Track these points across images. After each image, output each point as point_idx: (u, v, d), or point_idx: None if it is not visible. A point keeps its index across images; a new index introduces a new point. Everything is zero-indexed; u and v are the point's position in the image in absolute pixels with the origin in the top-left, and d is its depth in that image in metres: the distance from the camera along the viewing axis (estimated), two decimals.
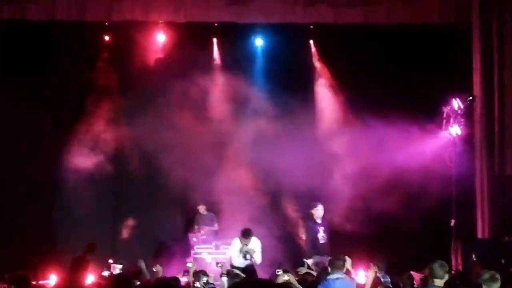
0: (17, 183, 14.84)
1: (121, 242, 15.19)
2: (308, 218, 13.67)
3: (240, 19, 15.26)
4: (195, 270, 11.86)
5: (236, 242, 12.77)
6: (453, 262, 14.02)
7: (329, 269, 9.34)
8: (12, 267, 11.23)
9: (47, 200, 15.04)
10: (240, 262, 12.67)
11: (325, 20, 15.24)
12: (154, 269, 11.42)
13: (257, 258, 12.72)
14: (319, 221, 13.49)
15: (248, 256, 12.64)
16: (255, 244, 12.79)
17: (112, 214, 15.44)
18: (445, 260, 8.41)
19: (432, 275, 7.96)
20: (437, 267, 7.96)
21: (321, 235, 13.40)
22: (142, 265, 12.30)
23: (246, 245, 12.62)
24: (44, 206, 15.01)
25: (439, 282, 7.92)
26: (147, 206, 15.34)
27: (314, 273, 10.89)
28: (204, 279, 10.82)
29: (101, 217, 15.11)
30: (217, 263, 12.83)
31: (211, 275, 11.68)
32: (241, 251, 12.62)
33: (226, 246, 14.36)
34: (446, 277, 8.04)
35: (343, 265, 9.28)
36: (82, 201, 14.78)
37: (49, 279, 12.44)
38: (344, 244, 13.69)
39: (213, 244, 14.60)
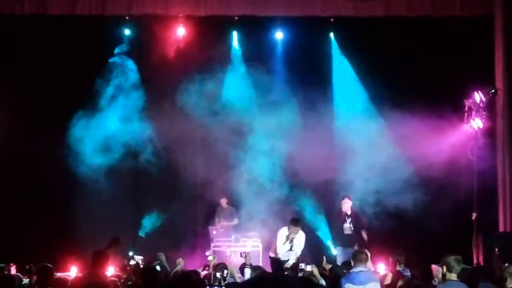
0: (38, 176, 14.97)
1: (141, 234, 15.29)
2: (337, 209, 13.91)
3: (260, 12, 15.25)
4: (215, 263, 11.92)
5: (283, 231, 12.72)
6: (475, 255, 13.91)
7: (352, 262, 9.33)
8: (33, 259, 11.39)
9: (68, 192, 15.17)
10: (284, 251, 12.64)
11: (345, 13, 15.20)
12: (176, 262, 11.47)
13: (298, 249, 12.75)
14: (349, 212, 13.67)
15: (294, 247, 12.65)
16: (300, 236, 12.78)
17: (132, 207, 15.50)
18: (466, 254, 8.37)
19: (448, 269, 7.88)
20: (452, 261, 7.88)
21: (348, 226, 13.64)
22: (162, 258, 12.36)
23: (294, 233, 12.59)
24: (64, 198, 15.16)
25: (454, 276, 7.85)
26: (167, 199, 15.38)
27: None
28: (225, 272, 10.86)
29: (122, 210, 15.16)
30: (241, 254, 12.84)
31: (230, 267, 11.73)
32: (287, 238, 12.58)
33: (245, 239, 14.43)
34: (460, 271, 7.96)
35: (366, 259, 9.26)
36: (103, 193, 14.91)
37: (69, 271, 12.50)
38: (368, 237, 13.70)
39: (233, 237, 14.64)
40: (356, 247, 12.46)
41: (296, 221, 12.73)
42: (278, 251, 12.63)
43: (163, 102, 15.12)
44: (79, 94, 15.13)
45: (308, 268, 10.74)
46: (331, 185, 15.02)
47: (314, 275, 10.04)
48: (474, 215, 14.27)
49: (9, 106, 15.09)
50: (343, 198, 13.81)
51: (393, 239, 13.97)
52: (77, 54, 14.88)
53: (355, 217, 13.75)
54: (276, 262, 12.36)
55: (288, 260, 12.59)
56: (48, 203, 14.98)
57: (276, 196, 14.97)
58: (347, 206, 13.72)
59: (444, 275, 7.95)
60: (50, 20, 14.93)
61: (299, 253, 12.81)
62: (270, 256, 12.91)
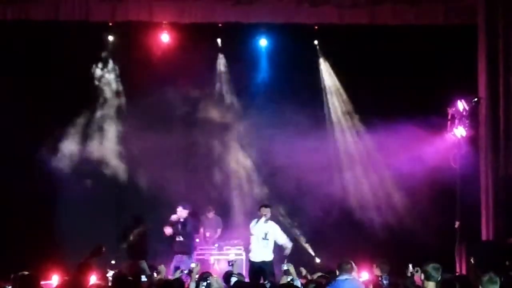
0: (20, 183, 14.79)
1: (124, 242, 15.14)
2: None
3: (244, 19, 15.20)
4: (198, 271, 11.83)
5: (254, 220, 12.95)
6: (457, 264, 13.93)
7: (337, 272, 9.31)
8: (14, 267, 11.22)
9: (51, 200, 15.06)
10: (258, 232, 12.85)
11: (330, 21, 15.17)
12: (158, 269, 11.37)
13: (280, 239, 12.95)
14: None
15: (268, 236, 12.83)
16: (273, 225, 12.99)
17: (115, 214, 15.39)
18: (449, 263, 8.35)
19: (426, 278, 7.84)
20: (430, 269, 7.83)
21: None
22: (144, 265, 12.28)
23: (265, 216, 12.75)
24: (47, 206, 15.03)
25: (432, 285, 7.79)
26: (150, 206, 15.26)
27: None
28: (204, 283, 10.78)
29: (104, 217, 15.06)
30: (229, 262, 12.81)
31: (215, 276, 11.65)
32: (258, 220, 12.77)
33: (228, 247, 14.36)
34: (438, 279, 7.92)
35: (351, 268, 9.26)
36: (85, 201, 14.81)
37: (51, 280, 12.38)
38: (348, 245, 13.69)
39: (216, 245, 14.59)
40: None
41: (265, 204, 13.03)
42: (252, 231, 12.87)
43: (145, 108, 15.05)
44: (62, 101, 14.97)
45: (284, 266, 10.71)
46: (315, 192, 15.01)
47: (290, 273, 10.06)
48: (457, 224, 14.29)
49: None
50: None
51: (374, 247, 13.97)
52: (59, 60, 14.77)
53: None
54: (254, 268, 12.34)
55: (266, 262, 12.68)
56: (30, 211, 14.83)
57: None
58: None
59: (422, 283, 7.92)
60: (33, 26, 14.79)
61: (280, 241, 12.91)
62: (249, 260, 13.05)
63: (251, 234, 13.05)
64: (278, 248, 13.15)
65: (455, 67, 14.90)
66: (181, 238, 13.63)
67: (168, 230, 13.58)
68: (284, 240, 13.04)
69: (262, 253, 12.91)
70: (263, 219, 12.79)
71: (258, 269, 11.49)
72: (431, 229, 14.47)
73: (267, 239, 12.90)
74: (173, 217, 13.72)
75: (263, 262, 12.71)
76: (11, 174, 14.65)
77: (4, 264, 12.46)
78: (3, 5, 14.65)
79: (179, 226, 13.67)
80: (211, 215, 15.19)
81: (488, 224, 14.58)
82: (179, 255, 13.57)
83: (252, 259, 12.99)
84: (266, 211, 12.83)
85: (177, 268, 12.55)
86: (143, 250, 14.20)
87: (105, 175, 15.15)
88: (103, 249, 12.29)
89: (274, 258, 13.00)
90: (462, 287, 8.74)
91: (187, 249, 13.68)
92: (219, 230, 15.14)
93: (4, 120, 14.65)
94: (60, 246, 14.54)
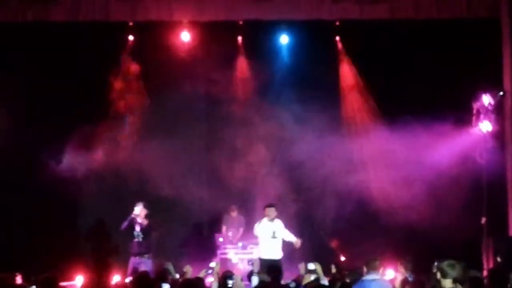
0: (43, 184, 14.80)
1: None
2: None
3: (265, 17, 15.10)
4: (218, 271, 11.77)
5: (256, 223, 13.12)
6: (485, 261, 13.75)
7: (365, 270, 9.14)
8: (38, 268, 11.24)
9: (72, 200, 15.07)
10: (264, 232, 12.99)
11: (351, 16, 15.03)
12: (184, 270, 11.32)
13: (287, 236, 13.04)
14: None
15: (276, 234, 12.95)
16: (279, 222, 13.11)
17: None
18: (476, 259, 8.19)
19: (442, 275, 7.65)
20: (446, 266, 7.64)
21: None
22: (171, 267, 12.20)
23: (270, 216, 12.95)
24: (68, 207, 15.06)
25: (448, 282, 7.58)
26: (170, 207, 15.19)
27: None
28: (230, 282, 10.68)
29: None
30: (248, 261, 12.72)
31: (238, 275, 11.57)
32: (263, 220, 12.89)
33: (252, 246, 14.28)
34: (455, 276, 7.71)
35: (379, 266, 9.11)
36: (106, 201, 14.80)
37: (74, 280, 12.40)
38: (371, 243, 13.57)
39: (240, 244, 14.52)
40: None
41: (269, 204, 13.17)
42: (256, 232, 13.05)
43: (165, 107, 15.03)
44: (82, 103, 14.98)
45: (311, 266, 10.56)
46: (339, 191, 14.90)
47: (317, 273, 9.93)
48: (483, 219, 14.12)
49: (9, 113, 14.93)
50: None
51: (403, 246, 13.83)
52: (80, 61, 14.77)
53: None
54: (270, 266, 12.23)
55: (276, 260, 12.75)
56: (54, 211, 14.85)
57: (283, 204, 14.88)
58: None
59: (438, 281, 7.73)
60: (53, 27, 14.81)
61: (287, 238, 13.02)
62: (259, 258, 13.10)
63: (257, 237, 13.21)
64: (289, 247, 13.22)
65: (480, 61, 14.70)
66: (140, 239, 13.12)
67: (124, 225, 13.11)
68: (291, 237, 13.13)
69: (272, 251, 13.03)
70: (265, 219, 13.00)
71: (270, 267, 11.46)
72: (458, 225, 14.27)
73: (276, 237, 13.04)
74: (134, 214, 13.14)
75: (273, 261, 12.74)
76: (34, 176, 14.67)
77: (29, 266, 12.47)
78: (23, 7, 14.66)
79: (138, 226, 13.13)
80: (234, 214, 15.13)
81: None
82: (137, 257, 13.05)
83: (263, 257, 13.07)
84: (271, 211, 13.01)
85: (135, 269, 12.37)
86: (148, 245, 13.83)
87: (126, 175, 15.09)
88: (119, 248, 12.32)
89: (292, 256, 13.17)
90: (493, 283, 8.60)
91: (146, 250, 13.17)
92: (241, 229, 15.05)
93: (21, 122, 14.74)
94: (82, 246, 14.55)
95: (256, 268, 12.84)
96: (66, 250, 14.29)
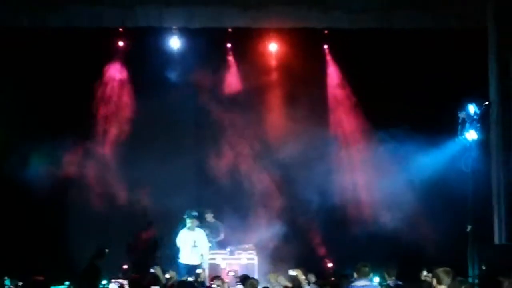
0: (31, 188, 14.80)
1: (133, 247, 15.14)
2: None
3: (254, 24, 15.19)
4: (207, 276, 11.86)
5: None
6: (470, 268, 13.84)
7: (355, 275, 9.21)
8: (26, 273, 11.28)
9: (62, 205, 15.08)
10: (185, 242, 13.85)
11: (340, 25, 15.15)
12: (167, 275, 11.38)
13: (204, 248, 13.88)
14: None
15: (197, 243, 13.80)
16: (201, 232, 13.99)
17: (125, 223, 15.36)
18: (462, 267, 8.28)
19: (438, 282, 7.77)
20: (441, 273, 7.76)
21: None
22: (159, 271, 12.25)
23: (192, 224, 13.83)
24: (58, 211, 15.06)
25: None
26: (157, 212, 15.22)
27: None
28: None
29: (115, 222, 15.09)
30: (228, 272, 12.78)
31: (226, 281, 11.65)
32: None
33: (240, 252, 14.32)
34: (450, 282, 7.84)
35: (370, 272, 9.17)
36: (96, 207, 14.82)
37: (63, 285, 12.43)
38: (357, 250, 13.66)
39: (228, 249, 14.54)
40: None
41: (190, 215, 13.93)
42: (177, 241, 13.80)
43: (155, 113, 15.10)
44: (73, 110, 15.03)
45: (292, 272, 10.60)
46: (323, 201, 15.00)
47: (298, 279, 9.97)
48: (469, 227, 14.21)
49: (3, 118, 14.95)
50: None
51: (388, 252, 13.93)
52: (71, 66, 14.80)
53: None
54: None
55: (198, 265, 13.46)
56: (42, 217, 14.86)
57: (270, 208, 14.96)
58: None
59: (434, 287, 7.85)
60: (46, 32, 14.83)
61: (206, 254, 13.81)
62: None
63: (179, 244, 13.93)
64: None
65: (466, 70, 14.83)
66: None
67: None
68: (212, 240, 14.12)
69: (192, 258, 13.87)
70: (185, 229, 13.87)
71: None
72: (443, 232, 14.39)
73: (196, 246, 13.88)
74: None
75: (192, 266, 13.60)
76: (28, 181, 14.68)
77: (18, 270, 12.48)
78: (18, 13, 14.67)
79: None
80: (210, 219, 15.00)
81: (501, 227, 14.51)
82: None
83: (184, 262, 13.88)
84: (192, 222, 13.92)
85: None
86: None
87: (121, 181, 15.14)
88: (105, 253, 12.35)
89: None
90: None
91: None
92: (222, 235, 15.02)
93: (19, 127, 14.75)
94: (73, 252, 14.57)
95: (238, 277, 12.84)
96: (54, 254, 14.27)
